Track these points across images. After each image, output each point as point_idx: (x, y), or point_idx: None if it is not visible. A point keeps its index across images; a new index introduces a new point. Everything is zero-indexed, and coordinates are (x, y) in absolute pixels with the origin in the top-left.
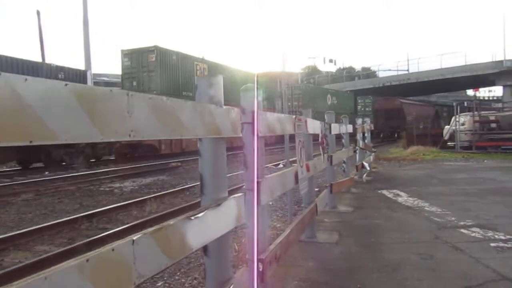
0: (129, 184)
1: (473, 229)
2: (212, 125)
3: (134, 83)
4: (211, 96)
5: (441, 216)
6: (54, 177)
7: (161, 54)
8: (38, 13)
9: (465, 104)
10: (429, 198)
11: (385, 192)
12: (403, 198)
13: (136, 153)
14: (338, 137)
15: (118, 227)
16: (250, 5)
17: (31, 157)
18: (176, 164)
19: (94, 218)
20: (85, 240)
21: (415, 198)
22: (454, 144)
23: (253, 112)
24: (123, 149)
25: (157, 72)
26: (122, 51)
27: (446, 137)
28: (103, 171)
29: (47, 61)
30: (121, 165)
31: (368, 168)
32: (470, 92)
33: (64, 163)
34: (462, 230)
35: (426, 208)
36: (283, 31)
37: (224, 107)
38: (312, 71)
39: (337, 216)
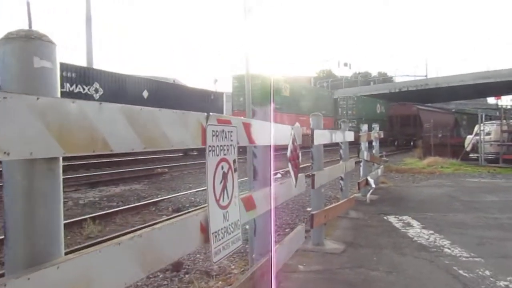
0: (92, 194)
1: None
2: None
3: (241, 99)
4: None
5: (469, 266)
6: None
7: (262, 78)
8: (28, 3)
9: (489, 113)
10: (451, 232)
11: (392, 219)
12: (415, 230)
13: None
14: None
15: None
16: (260, 7)
17: None
18: (162, 171)
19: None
20: None
21: (431, 232)
22: (478, 156)
23: None
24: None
25: (259, 92)
26: (233, 76)
27: (468, 148)
28: (77, 176)
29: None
30: (109, 169)
31: (374, 186)
32: (491, 100)
33: None
34: None
35: (446, 250)
36: (296, 33)
37: None
38: (327, 75)
39: (318, 261)
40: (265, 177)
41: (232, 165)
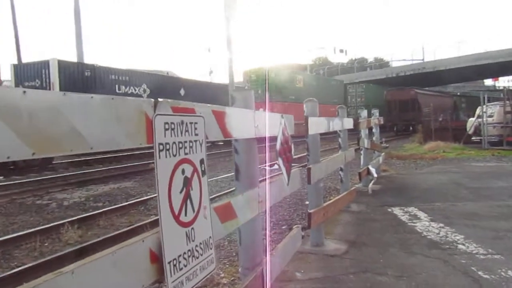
0: (79, 194)
1: None
2: None
3: (259, 91)
4: None
5: (488, 266)
6: (6, 183)
7: (277, 71)
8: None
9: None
10: (462, 225)
11: (397, 211)
12: (424, 223)
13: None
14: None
15: None
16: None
17: None
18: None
19: None
20: None
21: (441, 224)
22: (480, 139)
23: None
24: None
25: (275, 84)
26: (250, 70)
27: (470, 131)
28: (65, 175)
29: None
30: (101, 166)
31: (375, 175)
32: (488, 82)
33: None
34: None
35: (460, 246)
36: (292, 21)
37: None
38: (323, 62)
39: (318, 265)
40: (249, 177)
41: (198, 167)
